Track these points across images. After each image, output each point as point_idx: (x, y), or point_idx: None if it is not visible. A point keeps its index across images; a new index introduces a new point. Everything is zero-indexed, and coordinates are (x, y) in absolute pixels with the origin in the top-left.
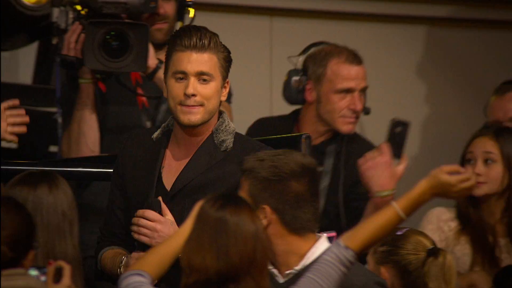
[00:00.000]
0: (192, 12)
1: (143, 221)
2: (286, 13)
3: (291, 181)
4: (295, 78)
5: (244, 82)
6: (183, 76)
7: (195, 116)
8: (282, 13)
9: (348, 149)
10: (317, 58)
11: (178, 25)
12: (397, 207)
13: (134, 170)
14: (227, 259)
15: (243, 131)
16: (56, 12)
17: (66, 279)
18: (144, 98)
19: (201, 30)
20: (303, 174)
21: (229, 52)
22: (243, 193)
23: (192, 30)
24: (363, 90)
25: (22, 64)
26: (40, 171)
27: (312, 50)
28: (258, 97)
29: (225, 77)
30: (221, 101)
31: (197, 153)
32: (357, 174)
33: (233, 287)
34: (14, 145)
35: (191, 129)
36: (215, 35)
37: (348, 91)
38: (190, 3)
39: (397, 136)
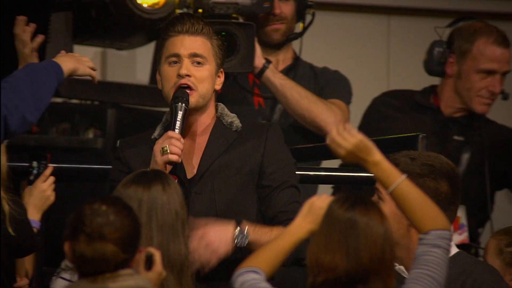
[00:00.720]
0: (311, 12)
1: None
2: (403, 12)
3: (443, 181)
4: (439, 49)
5: (362, 81)
6: (176, 59)
7: (191, 98)
8: (399, 12)
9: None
10: (464, 33)
11: (299, 26)
12: None
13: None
14: (357, 259)
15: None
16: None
17: (157, 266)
18: (260, 98)
19: (194, 16)
20: (453, 176)
21: (223, 42)
22: None
23: (185, 16)
24: (505, 74)
25: (140, 65)
26: (152, 171)
27: (460, 24)
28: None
29: (219, 64)
30: (216, 90)
31: (211, 136)
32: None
33: (362, 287)
34: None
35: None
36: (207, 23)
37: (490, 72)
38: (311, 3)
39: None
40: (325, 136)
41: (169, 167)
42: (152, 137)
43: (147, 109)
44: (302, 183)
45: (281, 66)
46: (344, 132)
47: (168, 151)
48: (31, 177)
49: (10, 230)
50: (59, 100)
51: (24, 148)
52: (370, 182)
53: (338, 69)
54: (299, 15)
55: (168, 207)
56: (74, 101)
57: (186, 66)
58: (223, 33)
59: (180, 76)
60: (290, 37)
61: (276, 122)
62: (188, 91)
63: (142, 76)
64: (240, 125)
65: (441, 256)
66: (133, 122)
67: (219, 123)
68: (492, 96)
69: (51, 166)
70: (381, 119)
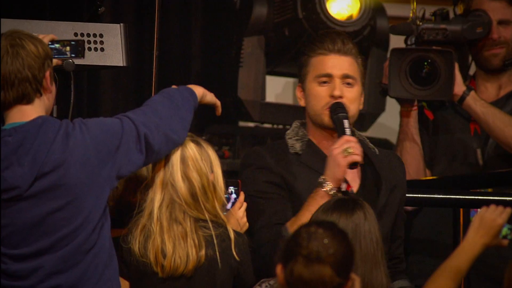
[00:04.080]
0: None
1: None
2: None
3: None
4: None
5: None
6: (327, 79)
7: None
8: None
9: None
10: None
11: None
12: None
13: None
14: None
15: None
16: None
17: None
18: (477, 125)
19: (343, 34)
20: None
21: (365, 59)
22: None
23: (334, 34)
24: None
25: None
26: (351, 198)
27: None
28: None
29: (363, 83)
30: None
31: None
32: None
33: None
34: None
35: (330, 136)
36: (354, 43)
37: None
38: None
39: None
40: None
41: (349, 171)
42: (293, 151)
43: None
44: None
45: (503, 92)
46: None
47: (352, 151)
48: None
49: (235, 254)
50: (251, 124)
51: None
52: None
53: None
54: None
55: (370, 236)
56: (266, 125)
57: (340, 88)
58: (428, 61)
59: (333, 97)
60: (508, 62)
61: (492, 149)
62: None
63: None
64: (376, 150)
65: None
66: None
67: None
68: None
69: (242, 192)
70: None
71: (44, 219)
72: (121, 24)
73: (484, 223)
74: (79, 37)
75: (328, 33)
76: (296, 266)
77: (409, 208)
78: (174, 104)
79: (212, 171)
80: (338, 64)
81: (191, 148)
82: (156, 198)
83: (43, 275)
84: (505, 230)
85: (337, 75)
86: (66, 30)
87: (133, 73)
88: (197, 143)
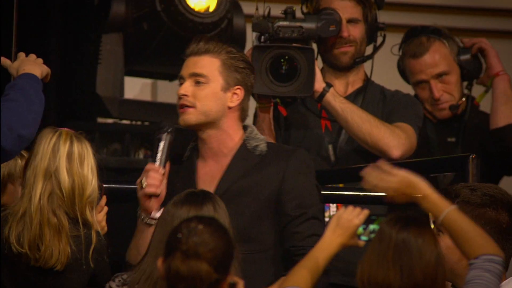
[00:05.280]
0: (382, 34)
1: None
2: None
3: (504, 211)
4: None
5: None
6: (182, 80)
7: (187, 116)
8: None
9: None
10: None
11: (371, 48)
12: None
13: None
14: (411, 277)
15: None
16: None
17: None
18: (327, 121)
19: (203, 37)
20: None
21: (242, 57)
22: None
23: (196, 37)
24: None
25: None
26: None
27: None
28: None
29: (231, 82)
30: (230, 107)
31: (233, 160)
32: None
33: None
34: None
35: (201, 134)
36: (220, 40)
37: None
38: (382, 26)
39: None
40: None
41: (153, 199)
42: (184, 158)
43: None
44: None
45: (351, 89)
46: (383, 175)
47: (144, 185)
48: None
49: (90, 261)
50: (110, 120)
51: None
52: None
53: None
54: (370, 38)
55: None
56: (125, 121)
57: (184, 86)
58: (286, 57)
59: (179, 97)
60: (358, 60)
61: (343, 145)
62: (181, 110)
63: None
64: (265, 149)
65: (491, 281)
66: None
67: (243, 147)
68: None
69: (104, 196)
70: None
71: None
72: None
73: (341, 224)
74: None
75: (194, 38)
76: (174, 261)
77: None
78: (28, 99)
79: (91, 171)
80: (190, 64)
81: (77, 146)
82: (37, 188)
83: None
84: (360, 230)
85: (186, 75)
86: None
87: None
88: (81, 141)
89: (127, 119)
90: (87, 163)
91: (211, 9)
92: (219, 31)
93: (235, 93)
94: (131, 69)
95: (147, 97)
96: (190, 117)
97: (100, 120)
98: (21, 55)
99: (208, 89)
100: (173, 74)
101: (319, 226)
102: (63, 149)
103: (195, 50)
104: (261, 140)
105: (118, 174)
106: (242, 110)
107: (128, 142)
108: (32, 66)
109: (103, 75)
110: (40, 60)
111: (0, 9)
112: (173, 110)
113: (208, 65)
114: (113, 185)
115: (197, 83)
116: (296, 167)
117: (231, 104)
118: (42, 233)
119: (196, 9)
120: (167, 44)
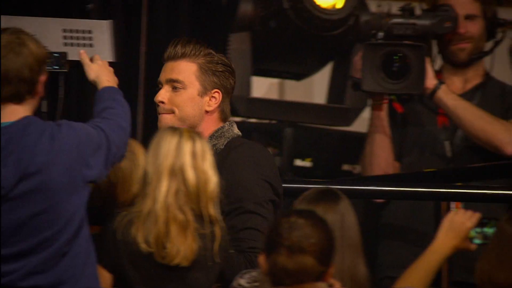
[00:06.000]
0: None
1: None
2: None
3: None
4: None
5: None
6: (160, 85)
7: (165, 121)
8: None
9: None
10: None
11: (490, 44)
12: None
13: None
14: None
15: None
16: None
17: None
18: (445, 118)
19: (182, 40)
20: None
21: (221, 60)
22: None
23: (173, 41)
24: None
25: (317, 85)
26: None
27: None
28: None
29: (207, 85)
30: (208, 111)
31: None
32: None
33: None
34: (308, 164)
35: None
36: (198, 43)
37: None
38: (502, 22)
39: None
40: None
41: None
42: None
43: (323, 128)
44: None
45: (469, 85)
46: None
47: None
48: None
49: (217, 257)
50: (237, 119)
51: None
52: None
53: None
54: (490, 34)
55: (354, 226)
56: (252, 120)
57: (161, 93)
58: (400, 55)
59: (156, 103)
60: (475, 56)
61: (459, 141)
62: (160, 116)
63: (319, 96)
64: (221, 147)
65: None
66: (310, 141)
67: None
68: None
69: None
70: None
71: (27, 221)
72: (109, 20)
73: (454, 226)
74: (62, 50)
75: (172, 41)
76: (279, 257)
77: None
78: (126, 115)
79: (212, 167)
80: (166, 69)
81: (198, 143)
82: (162, 186)
83: (22, 274)
84: (472, 233)
85: (162, 81)
86: (55, 26)
87: (120, 69)
88: (201, 139)
89: (254, 117)
90: (208, 159)
91: (337, 6)
92: (346, 28)
93: (213, 97)
94: (259, 68)
95: (274, 96)
96: (168, 122)
97: None
98: (98, 58)
99: (185, 94)
100: (301, 73)
101: (259, 220)
102: (187, 146)
103: (172, 54)
104: (224, 137)
105: None
106: (222, 112)
107: (255, 141)
108: (113, 77)
109: None
110: (112, 70)
111: (129, 11)
112: (300, 108)
113: (184, 70)
114: None
115: (174, 88)
116: (234, 161)
117: (209, 108)
118: (168, 230)
119: (323, 6)
120: (294, 42)
